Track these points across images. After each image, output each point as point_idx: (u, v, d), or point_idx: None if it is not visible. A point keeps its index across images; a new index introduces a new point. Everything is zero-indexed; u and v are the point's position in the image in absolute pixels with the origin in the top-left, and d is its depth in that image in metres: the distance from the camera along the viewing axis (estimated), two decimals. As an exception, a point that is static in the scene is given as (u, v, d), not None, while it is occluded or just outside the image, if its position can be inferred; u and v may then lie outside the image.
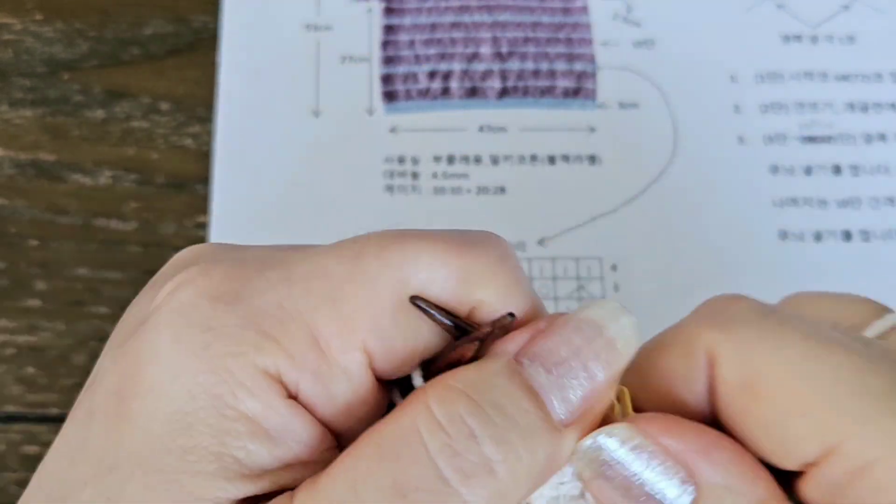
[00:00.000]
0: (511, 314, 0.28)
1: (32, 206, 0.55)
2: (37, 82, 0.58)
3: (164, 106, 0.58)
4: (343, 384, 0.27)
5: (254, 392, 0.26)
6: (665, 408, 0.29)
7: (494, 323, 0.28)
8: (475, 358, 0.28)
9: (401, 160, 0.57)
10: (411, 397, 0.27)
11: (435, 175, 0.56)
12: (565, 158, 0.57)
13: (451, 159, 0.57)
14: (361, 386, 0.27)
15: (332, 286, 0.27)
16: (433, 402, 0.26)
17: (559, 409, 0.26)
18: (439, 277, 0.28)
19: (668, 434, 0.28)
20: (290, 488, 0.27)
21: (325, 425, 0.27)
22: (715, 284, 0.53)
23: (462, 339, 0.28)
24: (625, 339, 0.28)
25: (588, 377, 0.27)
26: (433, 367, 0.29)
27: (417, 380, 0.28)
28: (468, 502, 0.25)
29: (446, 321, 0.28)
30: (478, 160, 0.57)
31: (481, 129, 0.58)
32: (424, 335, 0.28)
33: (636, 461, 0.27)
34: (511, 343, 0.28)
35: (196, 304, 0.27)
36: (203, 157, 0.57)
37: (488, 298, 0.28)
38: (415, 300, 0.27)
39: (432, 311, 0.28)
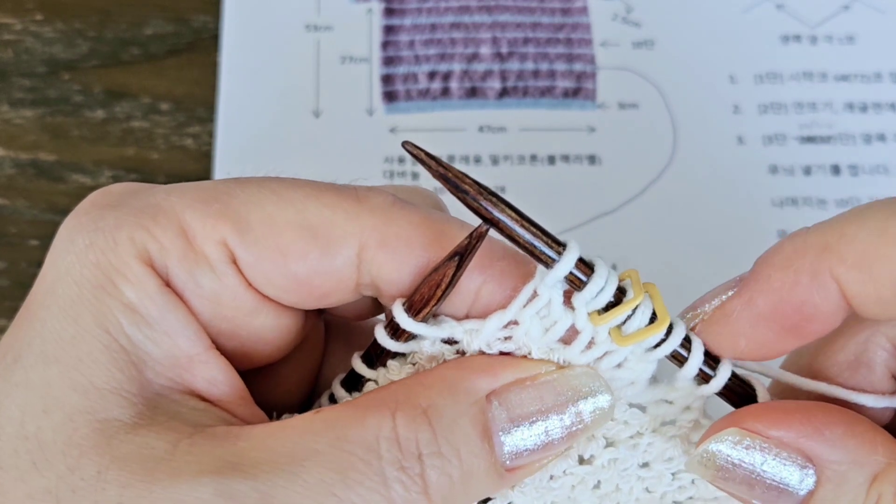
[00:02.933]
0: (487, 221, 0.29)
1: (32, 206, 0.55)
2: (37, 82, 0.58)
3: (164, 106, 0.58)
4: (207, 273, 0.30)
5: (130, 280, 0.29)
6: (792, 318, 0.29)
7: (471, 235, 0.29)
8: (456, 274, 0.29)
9: (401, 160, 0.57)
10: (381, 401, 0.29)
11: (435, 175, 0.56)
12: (565, 158, 0.57)
13: (450, 159, 0.57)
14: (228, 282, 0.30)
15: (207, 194, 0.30)
16: (400, 420, 0.28)
17: (507, 456, 0.29)
18: (324, 213, 0.29)
19: (776, 426, 0.29)
20: (193, 395, 0.29)
21: (201, 323, 0.30)
22: (714, 284, 0.53)
23: (441, 261, 0.29)
24: (594, 416, 0.30)
25: (545, 436, 0.29)
26: (416, 293, 0.29)
27: (399, 313, 0.30)
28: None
29: (436, 169, 0.29)
30: (478, 160, 0.57)
31: (481, 129, 0.58)
32: (304, 259, 0.29)
33: (750, 459, 0.29)
34: (490, 379, 0.29)
35: (87, 212, 0.30)
36: (203, 157, 0.57)
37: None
38: (405, 144, 0.29)
39: (422, 157, 0.29)
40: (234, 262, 0.30)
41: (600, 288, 0.29)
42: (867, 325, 0.31)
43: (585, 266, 0.29)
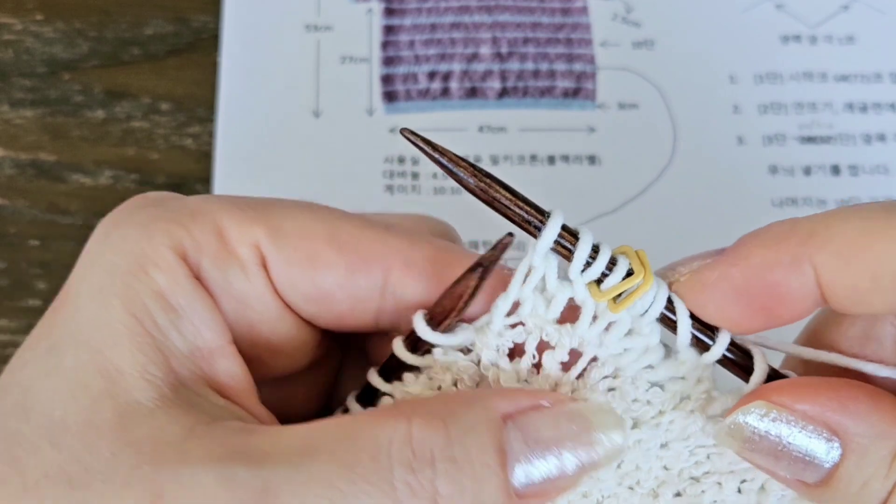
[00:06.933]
0: (510, 233, 0.30)
1: (33, 206, 0.55)
2: (37, 82, 0.58)
3: (164, 106, 0.58)
4: (238, 273, 0.31)
5: (162, 268, 0.30)
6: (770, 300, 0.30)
7: (496, 246, 0.30)
8: (479, 285, 0.29)
9: (401, 160, 0.57)
10: (399, 409, 0.29)
11: (435, 175, 0.56)
12: (565, 158, 0.57)
13: (450, 159, 0.57)
14: (257, 284, 0.31)
15: (244, 202, 0.31)
16: (416, 423, 0.28)
17: (519, 480, 0.29)
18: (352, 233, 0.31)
19: (803, 400, 0.30)
20: (213, 389, 0.30)
21: (226, 319, 0.31)
22: (714, 284, 0.53)
23: (463, 273, 0.30)
24: (607, 451, 0.30)
25: (559, 466, 0.29)
26: (438, 306, 0.30)
27: (420, 324, 0.30)
28: None
29: (431, 153, 0.30)
30: (478, 160, 0.57)
31: (481, 129, 0.58)
32: (331, 270, 0.30)
33: (777, 430, 0.30)
34: (507, 402, 0.29)
35: (127, 211, 0.31)
36: (203, 157, 0.57)
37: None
38: (403, 131, 0.30)
39: (420, 144, 0.30)
40: (265, 265, 0.31)
41: (586, 254, 0.30)
42: None
43: (573, 236, 0.30)
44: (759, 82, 0.59)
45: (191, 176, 0.56)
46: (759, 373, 0.32)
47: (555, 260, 0.30)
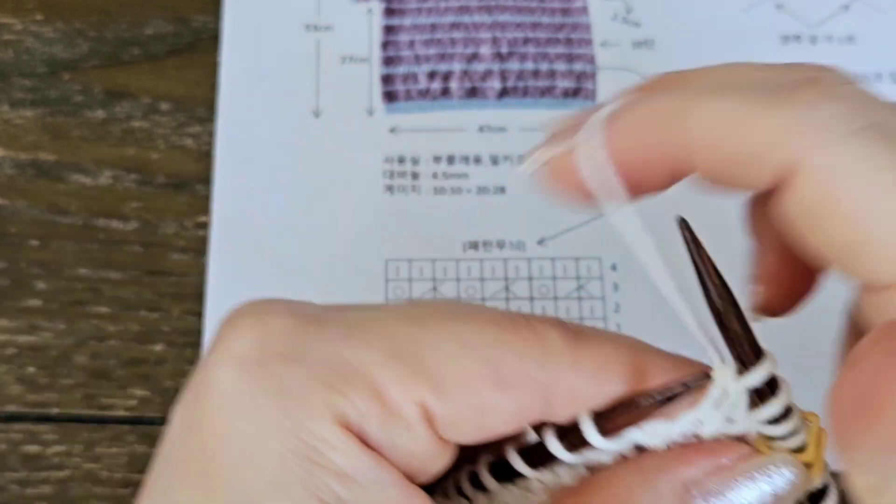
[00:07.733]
0: (707, 374, 0.29)
1: (33, 206, 0.56)
2: (37, 82, 0.58)
3: (164, 106, 0.58)
4: (404, 434, 0.29)
5: (336, 447, 0.28)
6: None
7: (689, 385, 0.29)
8: (654, 412, 0.29)
9: (401, 160, 0.57)
10: (599, 498, 0.29)
11: (435, 175, 0.56)
12: (565, 158, 0.57)
13: (451, 159, 0.57)
14: (422, 439, 0.30)
15: (395, 345, 0.29)
16: None
17: None
18: (509, 354, 0.30)
19: None
20: None
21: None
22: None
23: (649, 400, 0.29)
24: (787, 495, 0.29)
25: None
26: (609, 422, 0.30)
27: (590, 432, 0.30)
28: None
29: (696, 256, 0.29)
30: (478, 160, 0.57)
31: (481, 129, 0.58)
32: (498, 412, 0.30)
33: None
34: (688, 468, 0.29)
35: (262, 363, 0.29)
36: (203, 157, 0.57)
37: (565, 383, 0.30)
38: (682, 222, 0.30)
39: (689, 240, 0.29)
40: (429, 418, 0.30)
41: (772, 416, 0.29)
42: None
43: (769, 385, 0.29)
44: (759, 82, 0.59)
45: (191, 176, 0.56)
46: None
47: (746, 394, 0.30)
